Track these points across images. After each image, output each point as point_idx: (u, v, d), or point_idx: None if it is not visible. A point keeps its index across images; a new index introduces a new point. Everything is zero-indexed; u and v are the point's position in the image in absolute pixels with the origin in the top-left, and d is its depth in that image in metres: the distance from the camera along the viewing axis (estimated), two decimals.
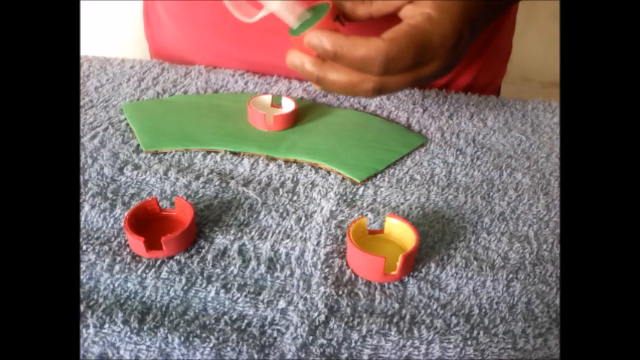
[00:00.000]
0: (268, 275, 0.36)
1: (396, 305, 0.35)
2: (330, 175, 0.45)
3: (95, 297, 0.34)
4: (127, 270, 0.36)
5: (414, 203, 0.42)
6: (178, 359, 0.31)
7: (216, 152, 0.46)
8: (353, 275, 0.36)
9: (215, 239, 0.38)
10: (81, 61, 0.58)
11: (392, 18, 0.40)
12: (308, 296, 0.35)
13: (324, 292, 0.35)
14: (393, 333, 0.33)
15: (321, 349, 0.32)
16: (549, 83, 1.27)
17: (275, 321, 0.33)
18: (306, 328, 0.33)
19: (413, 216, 0.41)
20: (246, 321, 0.33)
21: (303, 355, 0.32)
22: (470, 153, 0.48)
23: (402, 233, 0.38)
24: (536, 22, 1.16)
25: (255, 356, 0.31)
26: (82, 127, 0.48)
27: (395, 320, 0.34)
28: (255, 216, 0.40)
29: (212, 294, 0.35)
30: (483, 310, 0.35)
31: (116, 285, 0.35)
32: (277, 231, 0.39)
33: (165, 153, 0.46)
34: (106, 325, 0.32)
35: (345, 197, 0.43)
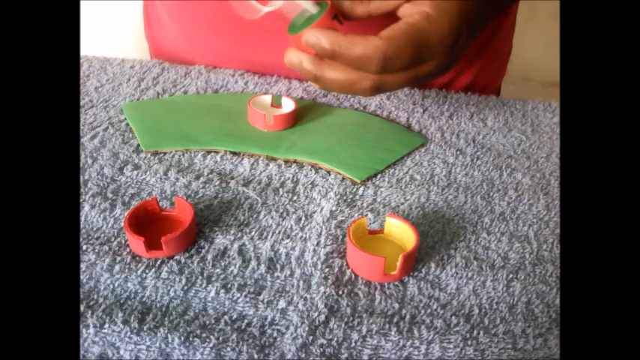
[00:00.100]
0: (268, 275, 0.36)
1: (396, 305, 0.35)
2: (330, 175, 0.45)
3: (95, 297, 0.34)
4: (127, 270, 0.36)
5: (414, 203, 0.42)
6: (178, 359, 0.31)
7: (216, 152, 0.46)
8: (353, 275, 0.36)
9: (215, 239, 0.38)
10: (81, 61, 0.58)
11: (390, 17, 0.40)
12: (308, 296, 0.35)
13: (324, 292, 0.35)
14: (393, 333, 0.33)
15: (321, 349, 0.32)
16: (549, 83, 1.27)
17: (275, 321, 0.33)
18: (306, 328, 0.33)
19: (413, 216, 0.41)
20: (246, 321, 0.33)
21: (303, 355, 0.32)
22: (470, 153, 0.48)
23: (402, 233, 0.38)
24: (536, 22, 1.16)
25: (255, 356, 0.31)
26: (82, 127, 0.48)
27: (395, 320, 0.34)
28: (255, 216, 0.40)
29: (212, 294, 0.35)
30: (483, 310, 0.35)
31: (116, 285, 0.35)
32: (277, 231, 0.39)
33: (165, 153, 0.46)
34: (106, 325, 0.32)
35: (345, 197, 0.43)
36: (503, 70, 0.66)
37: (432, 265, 0.37)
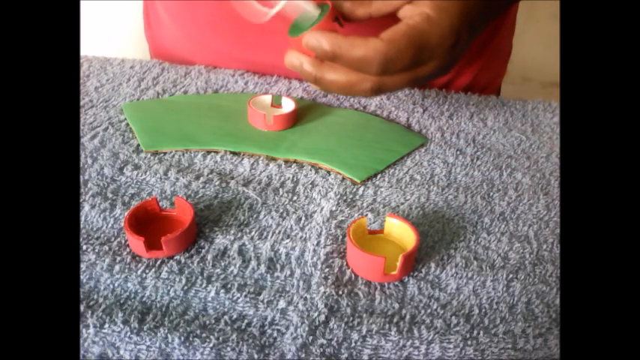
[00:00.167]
0: (268, 275, 0.36)
1: (396, 305, 0.35)
2: (330, 175, 0.45)
3: (95, 297, 0.34)
4: (127, 270, 0.36)
5: (414, 203, 0.42)
6: (178, 359, 0.31)
7: (216, 152, 0.46)
8: (353, 275, 0.36)
9: (215, 239, 0.38)
10: (81, 61, 0.58)
11: (391, 18, 0.40)
12: (308, 296, 0.35)
13: (324, 292, 0.35)
14: (393, 333, 0.33)
15: (321, 349, 0.32)
16: (549, 83, 1.27)
17: (275, 321, 0.33)
18: (306, 328, 0.33)
19: (413, 216, 0.41)
20: (246, 321, 0.33)
21: (303, 355, 0.32)
22: (470, 153, 0.48)
23: (402, 233, 0.38)
24: (536, 22, 1.16)
25: (255, 356, 0.31)
26: (82, 127, 0.48)
27: (395, 320, 0.34)
28: (255, 216, 0.40)
29: (212, 294, 0.35)
30: (483, 310, 0.35)
31: (116, 285, 0.35)
32: (277, 231, 0.39)
33: (165, 153, 0.46)
34: (106, 325, 0.32)
35: (345, 197, 0.43)
36: (503, 70, 0.66)
37: (432, 265, 0.37)
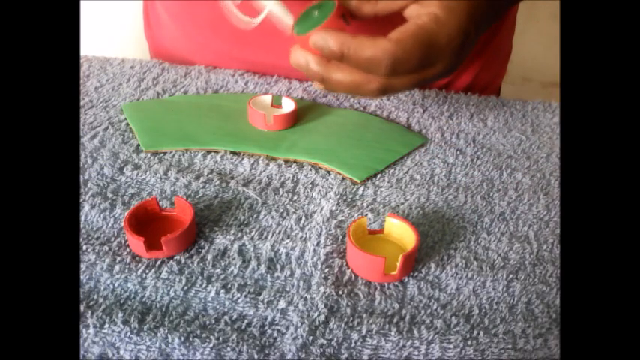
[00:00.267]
0: (268, 275, 0.36)
1: (396, 305, 0.35)
2: (330, 175, 0.45)
3: (95, 297, 0.34)
4: (127, 270, 0.36)
5: (414, 203, 0.42)
6: (178, 359, 0.31)
7: (216, 152, 0.46)
8: (353, 275, 0.36)
9: (215, 239, 0.38)
10: (81, 61, 0.58)
11: (396, 17, 0.40)
12: (308, 296, 0.35)
13: (324, 292, 0.35)
14: (393, 333, 0.33)
15: (321, 349, 0.32)
16: (549, 83, 1.27)
17: (275, 321, 0.33)
18: (306, 328, 0.33)
19: (413, 216, 0.41)
20: (246, 321, 0.33)
21: (303, 355, 0.32)
22: (470, 153, 0.48)
23: (402, 233, 0.38)
24: (536, 22, 1.16)
25: (255, 356, 0.31)
26: (82, 127, 0.48)
27: (395, 320, 0.34)
28: (255, 216, 0.40)
29: (212, 294, 0.35)
30: (483, 310, 0.35)
31: (116, 285, 0.35)
32: (277, 231, 0.39)
33: (165, 153, 0.46)
34: (106, 325, 0.32)
35: (345, 197, 0.43)
36: (503, 70, 0.66)
37: (432, 265, 0.37)
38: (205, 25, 0.58)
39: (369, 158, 0.46)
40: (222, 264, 0.37)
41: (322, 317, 0.33)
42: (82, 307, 0.33)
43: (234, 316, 0.33)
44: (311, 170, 0.45)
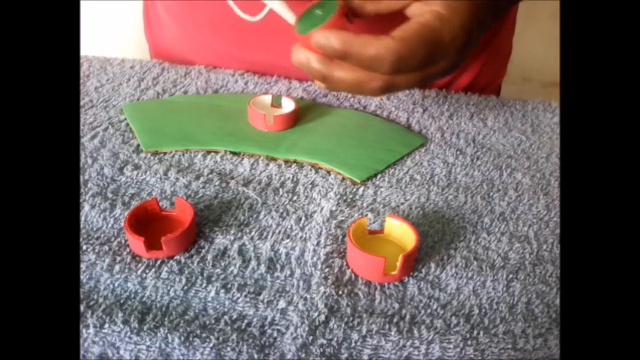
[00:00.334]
0: (268, 275, 0.36)
1: (396, 305, 0.35)
2: (330, 175, 0.45)
3: (95, 297, 0.34)
4: (127, 270, 0.36)
5: (414, 203, 0.42)
6: (178, 359, 0.31)
7: (216, 152, 0.46)
8: (353, 275, 0.36)
9: (215, 239, 0.38)
10: (81, 61, 0.58)
11: (398, 15, 0.40)
12: (308, 296, 0.35)
13: (324, 292, 0.35)
14: (393, 333, 0.33)
15: (321, 349, 0.32)
16: (549, 83, 1.27)
17: (275, 321, 0.33)
18: (306, 328, 0.33)
19: (413, 216, 0.41)
20: (246, 321, 0.33)
21: (303, 355, 0.32)
22: (470, 153, 0.48)
23: (402, 233, 0.38)
24: (536, 22, 1.16)
25: (255, 356, 0.31)
26: (82, 127, 0.48)
27: (395, 320, 0.34)
28: (255, 216, 0.40)
29: (212, 294, 0.35)
30: (483, 310, 0.35)
31: (116, 285, 0.35)
32: (277, 231, 0.39)
33: (165, 153, 0.46)
34: (106, 325, 0.32)
35: (345, 197, 0.43)
36: (503, 70, 0.66)
37: (432, 265, 0.37)
38: (205, 25, 0.58)
39: (369, 158, 0.46)
40: (222, 264, 0.37)
41: (322, 317, 0.33)
42: (82, 307, 0.33)
43: (234, 316, 0.33)
44: (311, 170, 0.45)
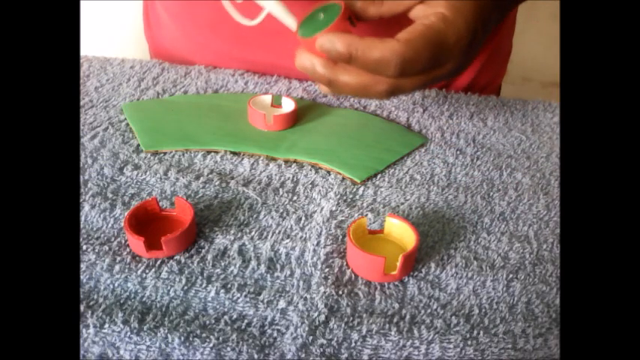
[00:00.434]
0: (268, 275, 0.36)
1: (396, 305, 0.35)
2: (330, 175, 0.45)
3: (95, 297, 0.34)
4: (127, 270, 0.36)
5: (414, 203, 0.42)
6: (178, 359, 0.31)
7: (216, 152, 0.46)
8: (353, 275, 0.36)
9: (215, 239, 0.38)
10: (81, 61, 0.58)
11: (402, 18, 0.40)
12: (308, 296, 0.35)
13: (324, 292, 0.35)
14: (393, 333, 0.33)
15: (321, 349, 0.32)
16: (549, 83, 1.27)
17: (275, 321, 0.33)
18: (306, 328, 0.33)
19: (413, 216, 0.41)
20: (246, 321, 0.33)
21: (303, 355, 0.32)
22: (470, 153, 0.48)
23: (402, 233, 0.38)
24: (536, 22, 1.16)
25: (255, 356, 0.31)
26: (82, 127, 0.48)
27: (395, 320, 0.34)
28: (255, 216, 0.40)
29: (212, 294, 0.35)
30: (483, 310, 0.35)
31: (116, 285, 0.35)
32: (277, 231, 0.39)
33: (165, 153, 0.46)
34: (106, 325, 0.32)
35: (345, 197, 0.43)
36: (503, 70, 0.66)
37: (432, 265, 0.37)
38: (205, 25, 0.58)
39: (369, 158, 0.46)
40: (222, 264, 0.37)
41: (322, 317, 0.33)
42: (82, 307, 0.33)
43: (234, 316, 0.33)
44: (311, 170, 0.45)
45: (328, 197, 0.42)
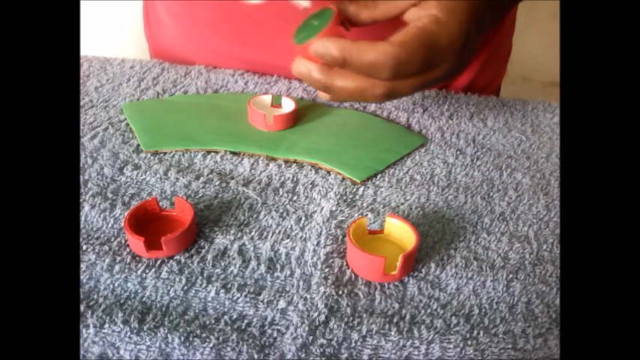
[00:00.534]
0: (268, 275, 0.36)
1: (396, 305, 0.35)
2: (330, 175, 0.45)
3: (95, 297, 0.34)
4: (127, 270, 0.36)
5: (414, 203, 0.42)
6: (178, 359, 0.31)
7: (216, 152, 0.46)
8: (353, 275, 0.36)
9: (215, 239, 0.38)
10: (81, 61, 0.58)
11: (396, 22, 0.40)
12: (308, 296, 0.35)
13: (324, 292, 0.35)
14: (393, 333, 0.33)
15: (321, 349, 0.32)
16: (549, 83, 1.27)
17: (275, 321, 0.33)
18: (306, 328, 0.33)
19: (413, 216, 0.41)
20: (246, 321, 0.33)
21: (303, 355, 0.32)
22: (470, 153, 0.48)
23: (402, 233, 0.38)
24: (536, 22, 1.16)
25: (255, 356, 0.31)
26: (82, 127, 0.48)
27: (395, 320, 0.34)
28: (255, 216, 0.40)
29: (212, 294, 0.35)
30: (483, 310, 0.35)
31: (116, 285, 0.35)
32: (277, 231, 0.39)
33: (165, 153, 0.46)
34: (106, 325, 0.32)
35: (345, 197, 0.43)
36: (503, 70, 0.66)
37: (432, 265, 0.37)
38: (205, 25, 0.58)
39: (369, 158, 0.46)
40: (222, 264, 0.37)
41: (322, 317, 0.33)
42: (82, 307, 0.33)
43: (234, 316, 0.33)
44: (311, 170, 0.45)
45: (328, 197, 0.42)
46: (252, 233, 0.39)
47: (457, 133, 0.50)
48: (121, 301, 0.34)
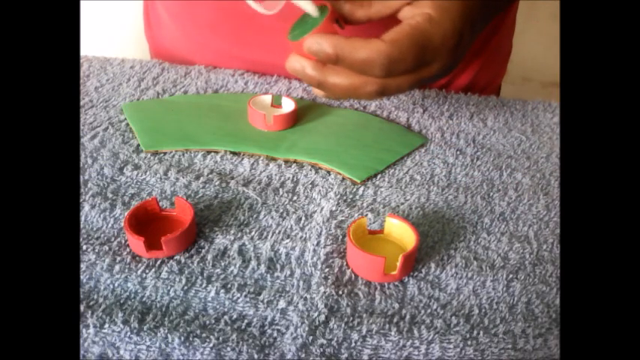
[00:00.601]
0: (268, 275, 0.36)
1: (396, 305, 0.35)
2: (330, 175, 0.45)
3: (95, 297, 0.34)
4: (127, 270, 0.36)
5: (414, 203, 0.42)
6: (178, 359, 0.31)
7: (216, 152, 0.46)
8: (353, 275, 0.36)
9: (215, 239, 0.38)
10: (81, 61, 0.58)
11: (390, 20, 0.40)
12: (308, 296, 0.35)
13: (324, 292, 0.35)
14: (393, 333, 0.33)
15: (321, 349, 0.32)
16: (549, 83, 1.27)
17: (275, 321, 0.33)
18: (306, 328, 0.33)
19: (413, 216, 0.41)
20: (246, 321, 0.33)
21: (303, 355, 0.32)
22: (470, 153, 0.48)
23: (402, 233, 0.38)
24: (536, 22, 1.16)
25: (255, 356, 0.31)
26: (82, 127, 0.48)
27: (395, 320, 0.34)
28: (255, 216, 0.40)
29: (212, 294, 0.35)
30: (483, 310, 0.35)
31: (116, 285, 0.35)
32: (277, 231, 0.39)
33: (165, 153, 0.46)
34: (106, 325, 0.32)
35: (345, 197, 0.43)
36: (503, 70, 0.66)
37: (432, 265, 0.37)
38: (205, 25, 0.58)
39: (369, 158, 0.46)
40: (222, 264, 0.37)
41: (322, 317, 0.33)
42: (82, 307, 0.33)
43: (234, 316, 0.33)
44: (311, 170, 0.45)
45: (328, 197, 0.42)
46: (252, 233, 0.39)
47: (457, 133, 0.50)
48: (121, 301, 0.34)
